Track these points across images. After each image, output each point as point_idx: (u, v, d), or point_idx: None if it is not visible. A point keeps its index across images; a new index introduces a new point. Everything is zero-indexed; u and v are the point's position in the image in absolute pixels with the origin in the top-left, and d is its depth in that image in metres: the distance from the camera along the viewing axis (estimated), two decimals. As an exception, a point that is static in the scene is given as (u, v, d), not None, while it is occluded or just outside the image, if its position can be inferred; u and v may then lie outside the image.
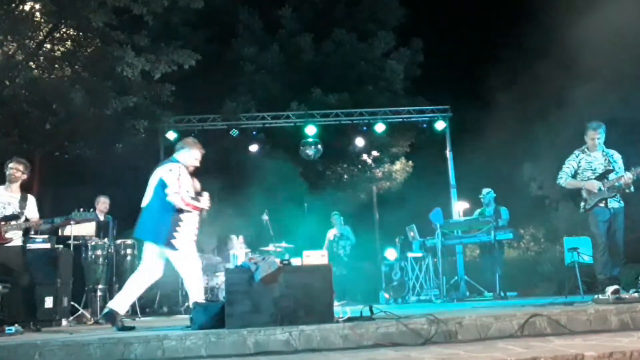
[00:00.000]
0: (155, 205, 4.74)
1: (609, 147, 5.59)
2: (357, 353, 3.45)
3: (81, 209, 5.92)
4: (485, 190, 9.12)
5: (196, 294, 4.71)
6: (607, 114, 7.20)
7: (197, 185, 4.98)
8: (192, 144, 5.04)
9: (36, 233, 6.68)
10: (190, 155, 4.96)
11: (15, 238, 5.51)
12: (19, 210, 5.54)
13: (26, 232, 5.76)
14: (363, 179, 15.06)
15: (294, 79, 14.39)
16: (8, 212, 5.49)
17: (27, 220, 5.58)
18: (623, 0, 8.27)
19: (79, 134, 10.92)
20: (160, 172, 4.80)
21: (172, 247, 4.66)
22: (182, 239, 4.70)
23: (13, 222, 5.47)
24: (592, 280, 7.19)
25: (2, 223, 5.41)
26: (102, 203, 7.98)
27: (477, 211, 9.23)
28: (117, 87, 9.77)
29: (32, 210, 5.68)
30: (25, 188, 5.82)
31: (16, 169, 5.57)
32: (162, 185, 4.71)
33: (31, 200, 5.71)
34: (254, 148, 12.03)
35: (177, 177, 4.70)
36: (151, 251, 4.80)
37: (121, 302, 4.77)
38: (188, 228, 4.76)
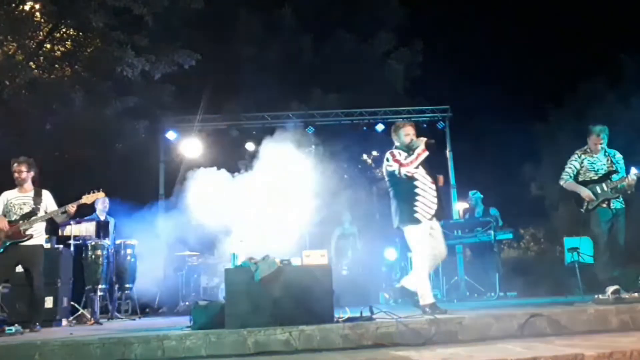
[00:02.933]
0: (393, 193, 5.06)
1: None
2: (357, 353, 3.44)
3: (92, 191, 5.89)
4: (471, 192, 9.13)
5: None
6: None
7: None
8: (397, 127, 5.20)
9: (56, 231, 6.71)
10: (400, 135, 5.12)
11: (36, 235, 5.56)
12: (34, 206, 5.60)
13: (52, 232, 5.79)
14: (363, 179, 15.04)
15: (294, 79, 14.38)
16: (25, 212, 5.55)
17: (45, 213, 5.64)
18: None
19: (79, 134, 10.92)
20: (384, 165, 5.15)
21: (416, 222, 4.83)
22: (422, 213, 4.84)
23: (33, 217, 5.52)
24: (592, 280, 7.18)
25: (21, 222, 5.47)
26: (102, 203, 7.98)
27: (467, 215, 9.25)
28: (117, 87, 9.77)
29: (49, 204, 5.72)
30: (39, 184, 5.86)
31: (19, 170, 5.63)
32: (388, 175, 5.05)
33: (46, 194, 5.76)
34: (250, 147, 11.88)
35: (392, 158, 5.00)
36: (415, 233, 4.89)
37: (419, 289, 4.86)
38: (424, 201, 4.88)
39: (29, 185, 5.69)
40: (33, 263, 5.50)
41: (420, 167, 4.93)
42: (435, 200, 4.90)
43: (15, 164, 5.65)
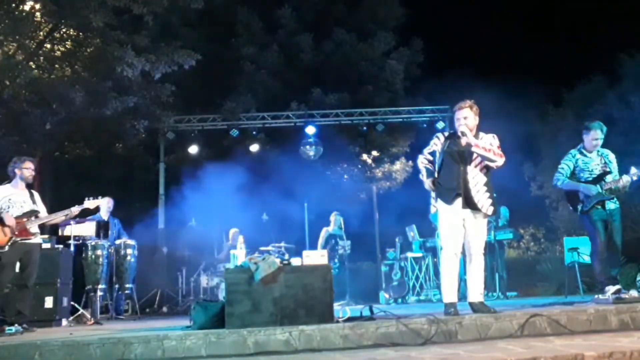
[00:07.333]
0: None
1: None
2: (357, 353, 3.45)
3: (93, 197, 5.96)
4: None
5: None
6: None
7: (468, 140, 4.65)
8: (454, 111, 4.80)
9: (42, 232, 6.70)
10: (455, 120, 4.81)
11: (36, 234, 5.60)
12: (33, 205, 5.62)
13: (52, 232, 5.82)
14: (363, 179, 15.05)
15: (294, 79, 14.37)
16: (26, 210, 5.54)
17: (47, 215, 5.69)
18: None
19: (79, 134, 10.91)
20: None
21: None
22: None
23: (33, 218, 5.53)
24: (592, 280, 7.19)
25: (25, 219, 5.46)
26: (106, 203, 8.01)
27: None
28: (117, 87, 9.77)
29: (40, 205, 5.75)
30: (28, 185, 5.86)
31: (32, 169, 5.65)
32: None
33: (37, 196, 5.79)
34: (254, 148, 12.02)
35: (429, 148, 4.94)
36: None
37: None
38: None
39: (23, 184, 5.67)
40: (33, 261, 5.49)
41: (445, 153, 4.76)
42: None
43: (29, 162, 5.64)
